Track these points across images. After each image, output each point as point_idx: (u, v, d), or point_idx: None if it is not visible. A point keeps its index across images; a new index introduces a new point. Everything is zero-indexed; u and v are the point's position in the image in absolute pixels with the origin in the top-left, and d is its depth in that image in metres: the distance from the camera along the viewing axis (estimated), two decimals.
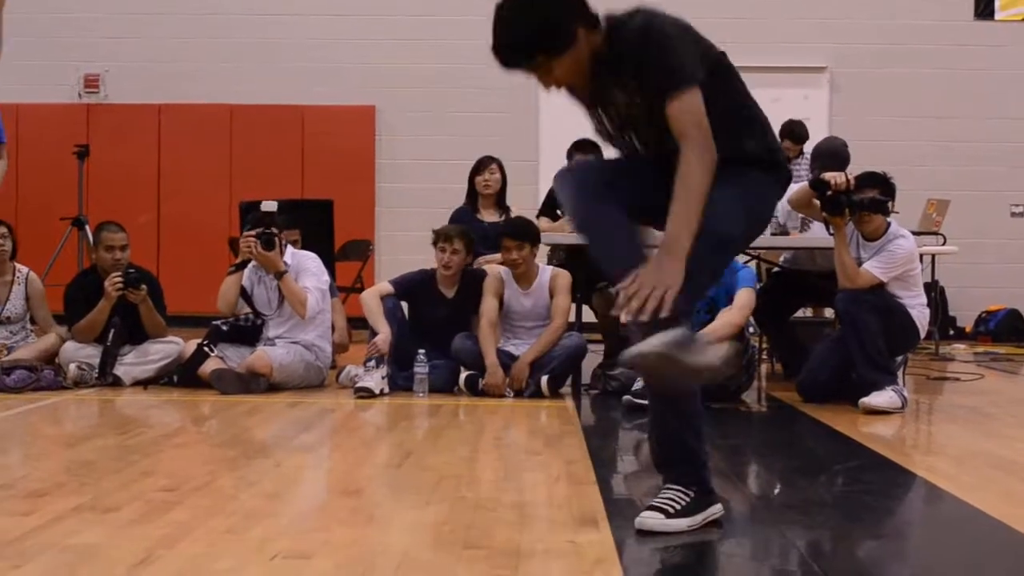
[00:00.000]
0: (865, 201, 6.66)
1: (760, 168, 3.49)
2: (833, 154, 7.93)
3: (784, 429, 6.33)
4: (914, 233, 7.53)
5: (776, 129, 3.86)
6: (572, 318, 7.68)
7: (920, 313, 6.69)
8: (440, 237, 7.34)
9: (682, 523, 3.48)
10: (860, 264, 6.65)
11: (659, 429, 3.61)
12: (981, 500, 3.97)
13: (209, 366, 7.16)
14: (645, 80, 3.36)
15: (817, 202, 6.78)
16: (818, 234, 7.55)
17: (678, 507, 3.48)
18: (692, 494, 3.51)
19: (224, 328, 7.43)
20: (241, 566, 3.03)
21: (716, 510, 3.56)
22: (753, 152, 3.48)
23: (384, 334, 7.09)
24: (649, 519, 3.46)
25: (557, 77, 3.43)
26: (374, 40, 13.05)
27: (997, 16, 13.37)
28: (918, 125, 12.86)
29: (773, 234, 7.74)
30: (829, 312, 8.31)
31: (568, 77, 3.45)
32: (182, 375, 7.33)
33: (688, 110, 3.28)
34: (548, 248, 8.07)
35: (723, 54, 3.53)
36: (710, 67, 3.42)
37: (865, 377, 6.36)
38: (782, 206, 7.98)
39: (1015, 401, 7.41)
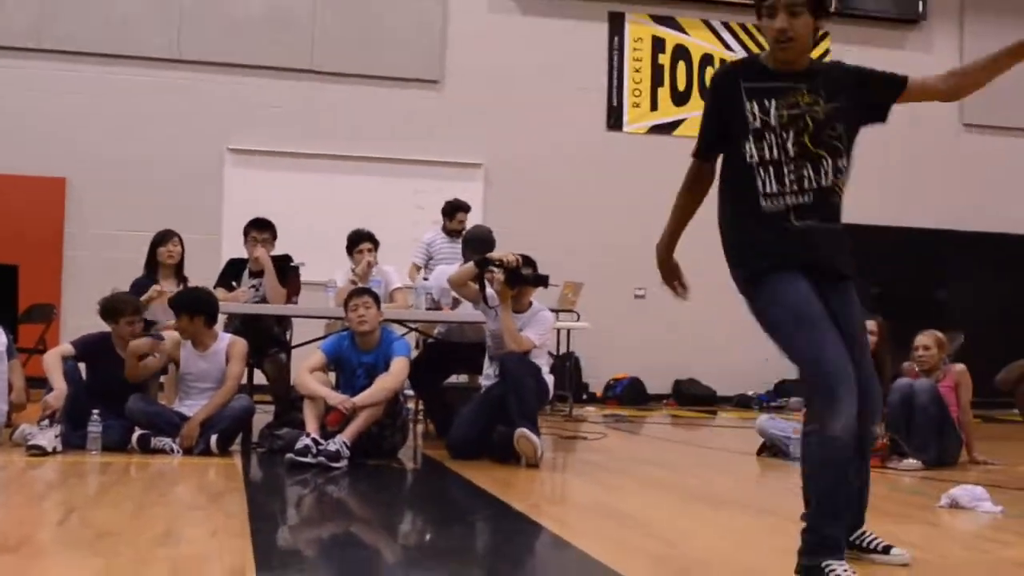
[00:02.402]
0: (532, 277, 6.96)
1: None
2: (483, 240, 8.15)
3: (433, 484, 6.36)
4: (553, 311, 7.83)
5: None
6: (245, 380, 7.51)
7: (549, 378, 6.99)
8: (127, 310, 7.06)
9: None
10: None
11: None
12: (589, 544, 4.09)
13: None
14: None
15: (473, 282, 6.98)
16: (466, 311, 7.69)
17: None
18: None
19: None
20: None
21: None
22: None
23: (58, 391, 6.72)
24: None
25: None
26: (68, 117, 12.49)
27: (625, 129, 14.14)
28: (558, 218, 13.34)
29: (428, 309, 7.84)
30: (478, 378, 8.45)
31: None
32: None
33: None
34: (225, 316, 7.88)
35: None
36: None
37: (517, 423, 6.50)
38: (436, 284, 8.12)
39: (630, 458, 7.71)
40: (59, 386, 6.77)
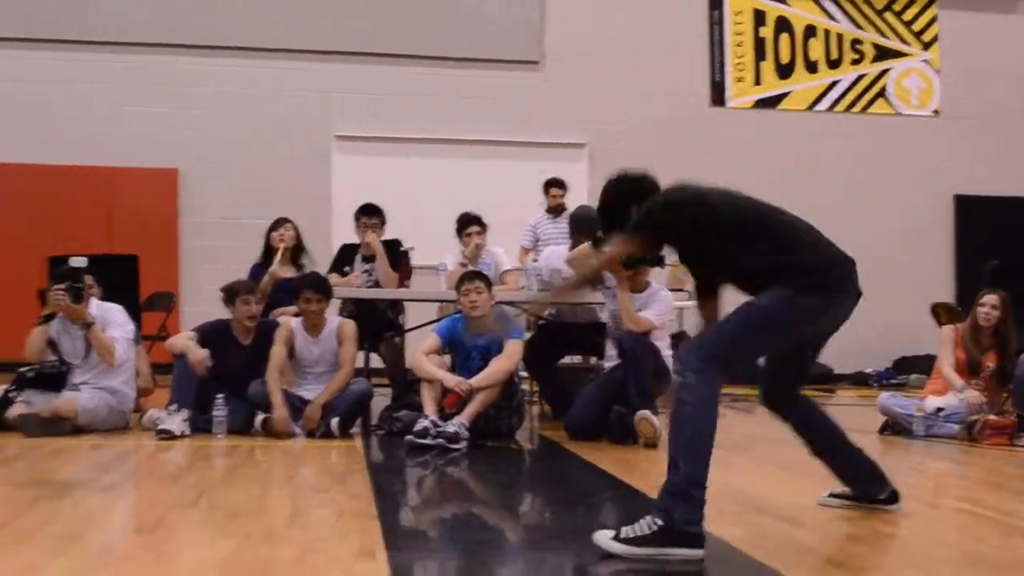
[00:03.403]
0: (648, 258, 6.88)
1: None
2: (589, 219, 8.09)
3: (552, 465, 6.36)
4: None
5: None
6: (361, 364, 7.61)
7: (670, 360, 6.90)
8: (244, 290, 7.20)
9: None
10: None
11: None
12: (717, 527, 4.05)
13: (15, 411, 6.84)
14: None
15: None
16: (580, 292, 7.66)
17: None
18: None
19: (30, 375, 7.10)
20: None
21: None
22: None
23: (200, 354, 6.90)
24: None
25: None
26: (178, 109, 12.76)
27: (728, 104, 13.96)
28: None
29: (540, 291, 7.84)
30: (593, 359, 8.44)
31: None
32: None
33: None
34: (339, 301, 7.98)
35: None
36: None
37: (636, 406, 6.48)
38: (546, 266, 8.11)
39: (749, 437, 7.63)
40: (197, 352, 6.92)
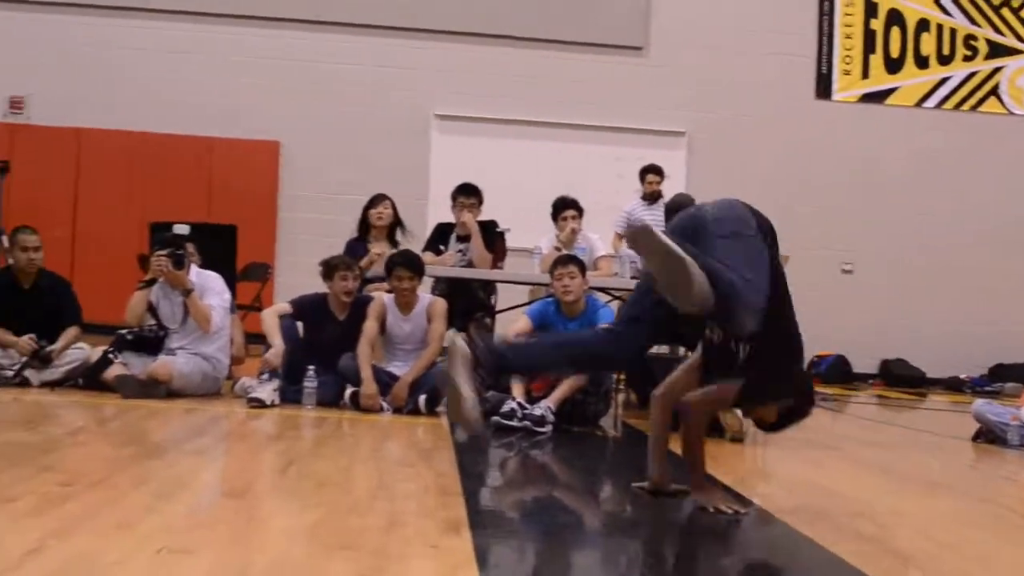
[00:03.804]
0: None
1: None
2: (685, 208, 8.05)
3: (635, 453, 6.36)
4: None
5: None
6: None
7: None
8: (342, 265, 7.30)
9: None
10: None
11: None
12: (797, 520, 4.04)
13: (112, 372, 7.02)
14: None
15: None
16: None
17: None
18: None
19: (129, 337, 7.29)
20: (127, 558, 2.94)
21: None
22: None
23: (276, 349, 7.01)
24: None
25: None
26: (282, 82, 12.95)
27: (834, 98, 13.77)
28: (762, 188, 13.11)
29: (633, 278, 7.84)
30: (681, 349, 8.41)
31: None
32: (87, 379, 7.17)
33: None
34: (432, 280, 8.06)
35: None
36: None
37: None
38: None
39: (837, 436, 7.57)
40: (277, 344, 7.06)
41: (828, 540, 3.70)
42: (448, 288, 8.01)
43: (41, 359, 7.30)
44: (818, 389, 11.16)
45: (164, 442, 5.52)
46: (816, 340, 12.83)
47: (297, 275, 10.97)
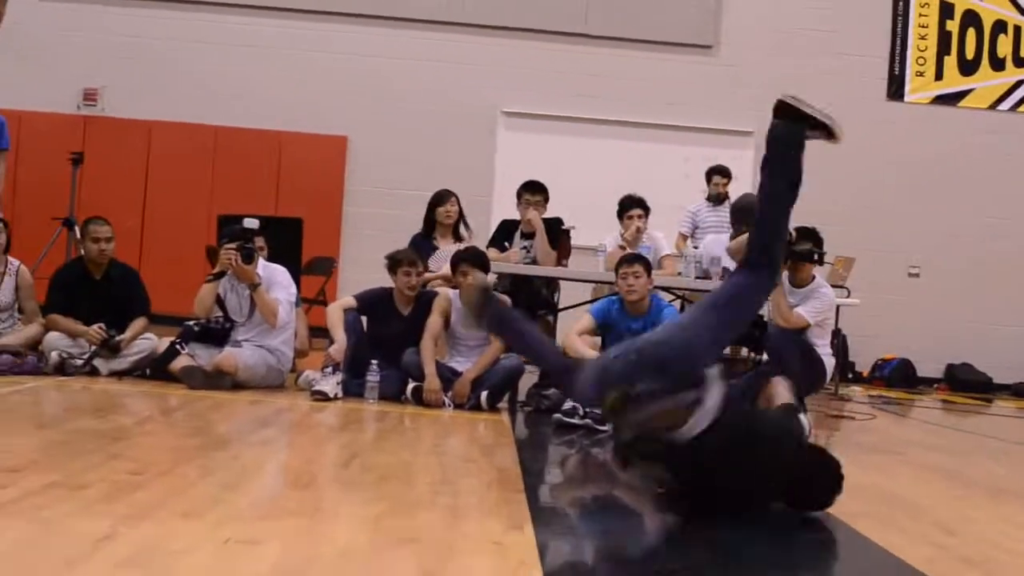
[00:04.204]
0: (805, 252, 6.79)
1: None
2: (751, 209, 8.00)
3: None
4: None
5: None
6: None
7: (828, 359, 6.78)
8: (406, 261, 7.35)
9: None
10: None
11: None
12: (863, 526, 4.01)
13: (179, 363, 7.12)
14: None
15: None
16: None
17: None
18: None
19: (196, 328, 7.39)
20: (195, 546, 3.00)
21: None
22: None
23: (339, 344, 7.08)
24: None
25: None
26: (350, 78, 13.05)
27: (907, 99, 13.60)
28: (831, 189, 13.02)
29: (698, 277, 7.81)
30: (742, 349, 8.37)
31: None
32: (155, 369, 7.29)
33: None
34: (495, 276, 8.08)
35: None
36: None
37: None
38: (705, 252, 8.07)
39: (902, 441, 7.49)
40: (340, 339, 7.12)
41: (896, 546, 3.68)
42: (512, 285, 8.03)
43: (110, 348, 7.43)
44: (880, 393, 11.10)
45: (229, 433, 5.61)
46: (881, 343, 12.86)
47: (360, 269, 11.06)
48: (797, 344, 6.67)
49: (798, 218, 7.59)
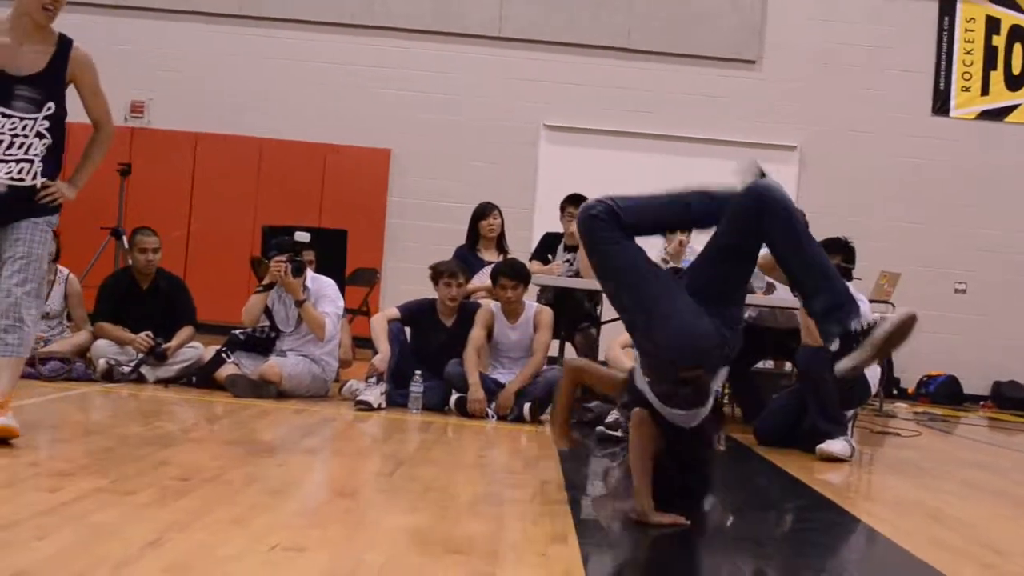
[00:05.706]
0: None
1: None
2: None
3: (740, 468, 6.30)
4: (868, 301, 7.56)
5: None
6: (555, 352, 7.69)
7: (872, 373, 6.68)
8: (447, 273, 7.36)
9: None
10: None
11: None
12: (911, 544, 3.97)
13: (225, 371, 7.17)
14: None
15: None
16: (780, 295, 7.56)
17: None
18: None
19: (241, 337, 7.45)
20: (242, 553, 3.01)
21: None
22: None
23: (383, 354, 7.10)
24: None
25: None
26: (393, 91, 13.11)
27: (952, 114, 13.48)
28: (875, 204, 12.96)
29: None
30: (787, 365, 8.32)
31: None
32: (200, 377, 7.35)
33: None
34: (538, 288, 8.09)
35: None
36: None
37: (819, 427, 6.30)
38: None
39: (948, 458, 7.41)
40: (384, 349, 7.14)
41: (943, 563, 3.63)
42: (554, 297, 8.02)
43: (157, 356, 7.50)
44: (926, 410, 10.98)
45: (274, 441, 5.63)
46: (926, 360, 12.72)
47: (403, 281, 11.11)
48: (831, 361, 6.54)
49: (842, 231, 7.57)
